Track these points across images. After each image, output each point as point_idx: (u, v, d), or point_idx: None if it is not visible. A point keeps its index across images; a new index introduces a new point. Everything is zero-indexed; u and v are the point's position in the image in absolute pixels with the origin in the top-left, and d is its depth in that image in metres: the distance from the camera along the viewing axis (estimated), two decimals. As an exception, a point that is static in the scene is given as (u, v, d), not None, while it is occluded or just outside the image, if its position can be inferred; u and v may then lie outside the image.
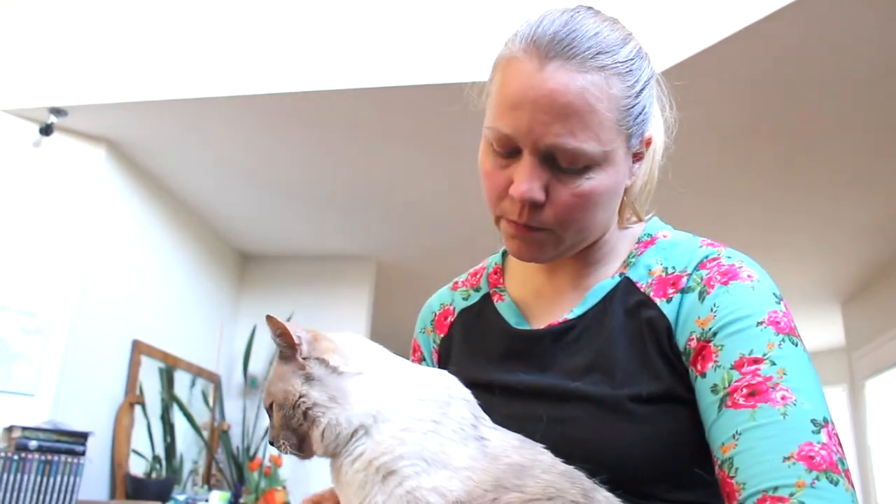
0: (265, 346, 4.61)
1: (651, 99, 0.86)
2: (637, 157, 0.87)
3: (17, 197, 3.22)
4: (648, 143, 0.88)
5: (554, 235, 0.84)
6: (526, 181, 0.79)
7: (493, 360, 0.84)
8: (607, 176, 0.81)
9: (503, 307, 0.96)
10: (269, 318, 0.77)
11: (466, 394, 0.79)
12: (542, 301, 0.94)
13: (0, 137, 3.23)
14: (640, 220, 0.94)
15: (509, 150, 0.81)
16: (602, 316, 0.87)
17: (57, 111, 3.21)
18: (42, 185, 3.30)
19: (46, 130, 3.25)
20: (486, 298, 0.99)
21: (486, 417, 0.79)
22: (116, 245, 3.59)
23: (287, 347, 0.77)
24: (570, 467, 0.74)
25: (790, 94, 2.93)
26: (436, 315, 1.03)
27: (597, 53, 0.78)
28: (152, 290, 3.93)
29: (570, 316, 0.88)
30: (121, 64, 3.20)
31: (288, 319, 0.78)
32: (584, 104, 0.77)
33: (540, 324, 0.91)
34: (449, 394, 0.77)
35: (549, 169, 0.80)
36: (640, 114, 0.83)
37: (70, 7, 3.33)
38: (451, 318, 1.01)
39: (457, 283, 1.05)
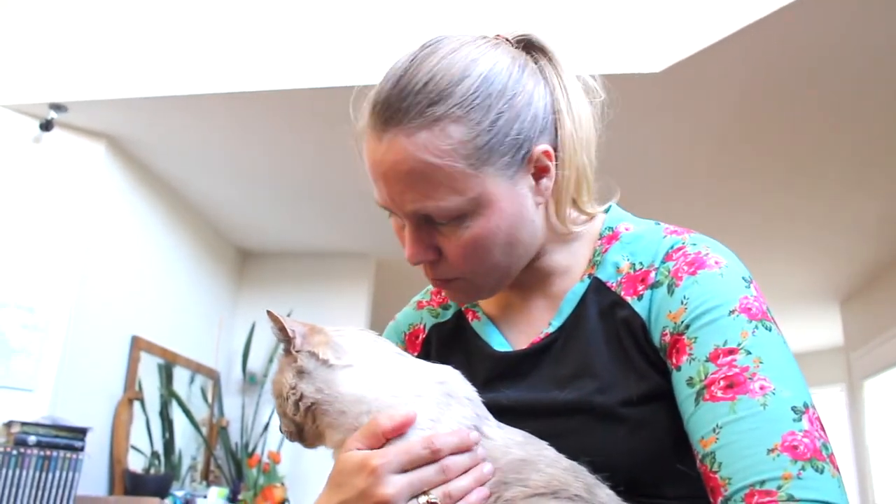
0: (264, 342, 4.61)
1: (527, 109, 0.81)
2: (540, 171, 0.83)
3: (16, 193, 3.22)
4: (547, 154, 0.82)
5: (468, 281, 0.85)
6: (409, 246, 0.82)
7: (478, 383, 0.83)
8: (487, 219, 0.79)
9: (480, 326, 0.94)
10: (268, 312, 0.79)
11: (470, 392, 0.79)
12: (517, 314, 0.93)
13: (0, 133, 3.23)
14: (589, 216, 0.91)
15: (395, 214, 0.83)
16: (579, 322, 0.86)
17: (57, 107, 3.21)
18: (42, 181, 3.30)
19: (46, 126, 3.25)
20: (460, 316, 0.97)
21: (491, 417, 0.79)
22: (116, 241, 3.59)
23: (284, 341, 0.79)
24: (574, 462, 0.74)
25: (788, 96, 2.93)
26: (406, 335, 1.02)
27: (428, 106, 0.76)
28: (151, 287, 3.93)
29: (551, 329, 0.87)
30: (121, 60, 3.20)
31: (287, 316, 0.80)
32: (424, 167, 0.76)
33: (520, 340, 0.90)
34: (447, 390, 0.77)
35: (430, 226, 0.81)
36: (507, 139, 0.79)
37: (70, 3, 3.32)
38: (422, 336, 1.00)
39: (421, 302, 1.03)
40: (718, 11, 2.59)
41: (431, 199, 0.77)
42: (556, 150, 0.84)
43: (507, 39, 0.87)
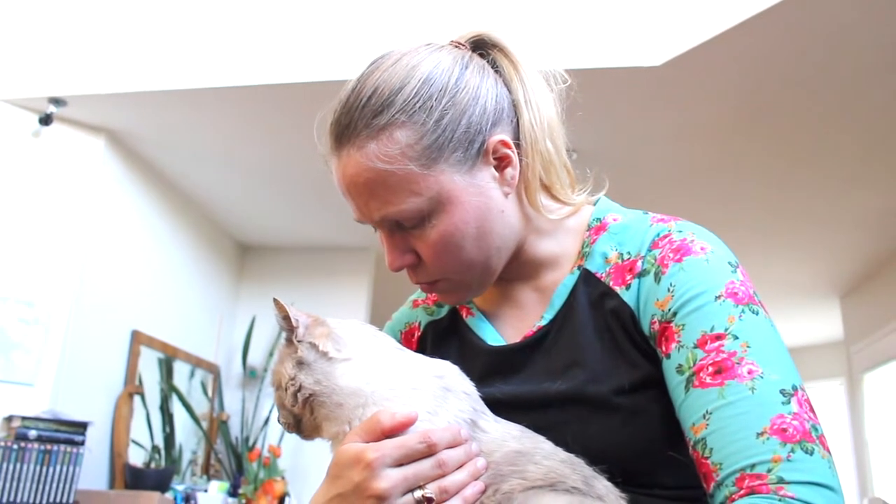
0: (264, 336, 4.62)
1: (474, 104, 0.82)
2: (502, 162, 0.84)
3: (16, 187, 3.22)
4: (505, 143, 0.84)
5: (450, 281, 0.87)
6: (388, 254, 0.86)
7: (473, 378, 0.82)
8: (451, 215, 0.81)
9: (473, 322, 0.94)
10: (275, 300, 0.79)
11: (467, 386, 0.80)
12: (509, 309, 0.93)
13: (-1, 127, 3.24)
14: (567, 205, 0.90)
15: (371, 226, 0.87)
16: (570, 314, 0.86)
17: (56, 101, 3.21)
18: (41, 176, 3.30)
19: (46, 120, 3.25)
20: (454, 312, 0.97)
21: (488, 411, 0.79)
22: (116, 235, 3.59)
23: (287, 330, 0.80)
24: (572, 455, 0.74)
25: (788, 90, 2.92)
26: (402, 333, 1.02)
27: (373, 118, 0.79)
28: (151, 281, 3.93)
29: (543, 322, 0.88)
30: (120, 54, 3.20)
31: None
32: (379, 175, 0.79)
33: (513, 334, 0.91)
34: (445, 384, 0.77)
35: (403, 232, 0.84)
36: (455, 135, 0.81)
37: (69, -4, 3.32)
38: (417, 334, 1.01)
39: (416, 301, 1.04)
40: (719, 5, 2.59)
41: (392, 204, 0.80)
42: (518, 139, 0.86)
43: (461, 43, 0.89)
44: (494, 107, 0.84)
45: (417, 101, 0.80)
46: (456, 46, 0.88)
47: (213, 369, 4.50)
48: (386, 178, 0.79)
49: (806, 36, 2.59)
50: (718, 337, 0.74)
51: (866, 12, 2.45)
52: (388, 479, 0.69)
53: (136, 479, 3.42)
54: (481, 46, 0.90)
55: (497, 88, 0.85)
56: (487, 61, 0.88)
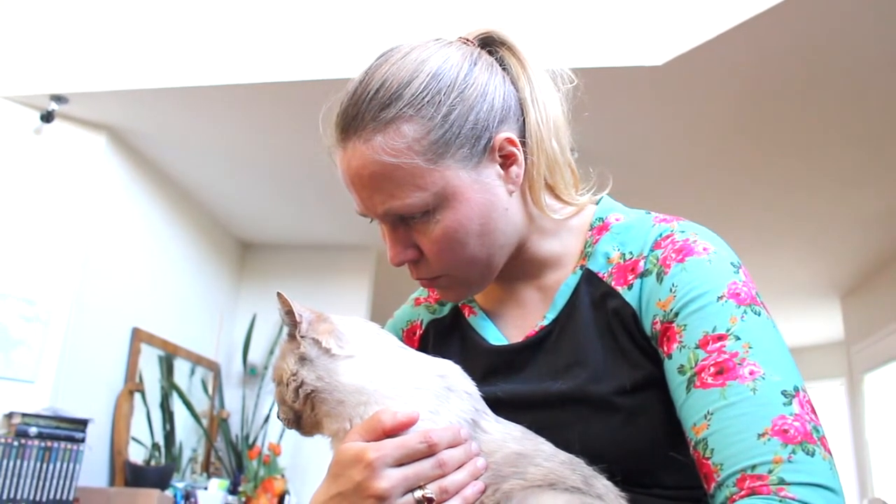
0: (265, 334, 4.62)
1: (482, 100, 0.82)
2: (507, 160, 0.84)
3: (17, 184, 3.22)
4: (511, 141, 0.84)
5: (451, 277, 0.86)
6: (390, 248, 0.85)
7: (475, 377, 0.82)
8: (455, 211, 0.81)
9: (476, 321, 0.94)
10: (278, 294, 0.79)
11: (469, 386, 0.80)
12: (512, 308, 0.93)
13: (1, 124, 3.23)
14: (571, 205, 0.90)
15: (374, 220, 0.86)
16: (573, 314, 0.86)
17: (58, 98, 3.21)
18: (43, 173, 3.30)
19: (47, 117, 3.24)
20: (457, 312, 0.97)
21: (489, 411, 0.79)
22: (117, 233, 3.59)
23: (291, 325, 0.79)
24: (572, 456, 0.75)
25: (789, 90, 2.92)
26: (403, 331, 1.02)
27: (380, 111, 0.79)
28: (152, 278, 3.93)
29: (545, 322, 0.88)
30: (122, 51, 3.20)
31: None
32: (384, 168, 0.79)
33: (515, 333, 0.91)
34: (447, 384, 0.77)
35: (406, 227, 0.83)
36: (462, 131, 0.80)
37: (71, -6, 3.32)
38: (419, 332, 1.00)
39: (418, 299, 1.04)
40: (720, 4, 2.59)
41: (397, 198, 0.80)
42: (524, 138, 0.86)
43: (469, 39, 0.89)
44: (502, 104, 0.84)
45: (426, 96, 0.80)
46: (464, 43, 0.88)
47: (214, 367, 4.50)
48: (392, 172, 0.79)
49: (806, 36, 2.59)
50: (720, 337, 0.74)
51: (866, 12, 2.45)
52: (389, 478, 0.69)
53: (136, 476, 3.42)
54: (489, 44, 0.90)
55: (505, 86, 0.85)
56: (495, 59, 0.88)
